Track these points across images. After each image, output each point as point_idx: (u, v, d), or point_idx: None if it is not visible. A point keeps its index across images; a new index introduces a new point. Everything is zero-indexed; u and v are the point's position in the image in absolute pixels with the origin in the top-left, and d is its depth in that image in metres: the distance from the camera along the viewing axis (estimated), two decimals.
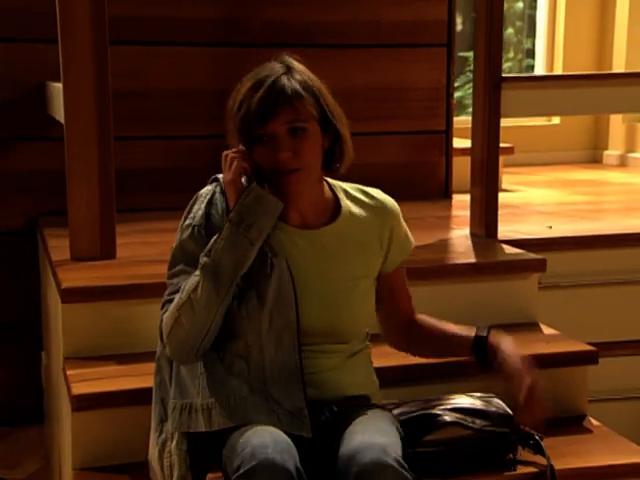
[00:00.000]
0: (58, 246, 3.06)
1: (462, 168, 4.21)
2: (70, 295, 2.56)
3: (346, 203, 2.04)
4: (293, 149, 1.90)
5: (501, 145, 4.40)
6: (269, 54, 4.11)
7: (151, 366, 2.44)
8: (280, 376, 1.92)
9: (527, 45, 6.84)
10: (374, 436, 1.84)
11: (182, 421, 1.93)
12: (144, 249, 3.12)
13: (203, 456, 1.96)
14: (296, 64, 1.97)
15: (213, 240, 1.90)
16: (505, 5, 7.42)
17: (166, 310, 1.96)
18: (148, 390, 2.29)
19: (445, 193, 4.17)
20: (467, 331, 2.13)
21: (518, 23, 6.90)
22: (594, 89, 3.09)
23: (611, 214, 3.79)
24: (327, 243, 2.01)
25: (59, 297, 2.59)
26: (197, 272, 1.90)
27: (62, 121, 2.94)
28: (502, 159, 3.97)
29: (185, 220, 2.00)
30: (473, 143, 3.21)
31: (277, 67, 1.95)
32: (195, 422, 1.91)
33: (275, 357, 1.93)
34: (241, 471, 1.74)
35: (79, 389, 2.33)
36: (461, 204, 3.95)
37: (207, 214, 1.97)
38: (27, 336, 3.68)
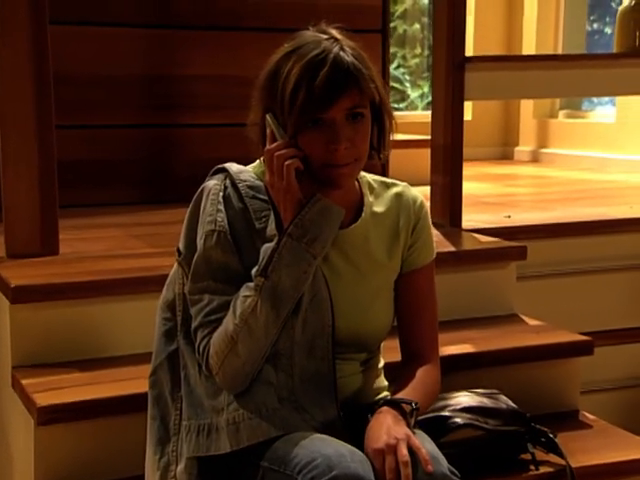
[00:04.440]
0: None
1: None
2: (22, 294, 2.25)
3: (369, 200, 1.83)
4: (350, 138, 1.65)
5: (415, 138, 4.30)
6: (200, 37, 3.87)
7: (119, 372, 2.23)
8: (310, 386, 1.71)
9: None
10: (423, 443, 1.65)
11: (200, 444, 1.69)
12: (85, 245, 2.83)
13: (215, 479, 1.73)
14: (340, 36, 1.70)
15: (266, 257, 1.64)
16: (410, 1, 7.37)
17: (207, 334, 1.69)
18: (123, 399, 2.08)
19: None
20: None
21: (424, 19, 6.88)
22: (565, 71, 2.96)
23: (557, 204, 3.69)
24: (349, 245, 1.79)
25: (7, 298, 2.28)
26: (247, 292, 1.65)
27: None
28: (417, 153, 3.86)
29: (196, 225, 1.73)
30: (434, 128, 3.04)
31: (325, 40, 1.66)
32: (217, 443, 1.66)
33: (307, 365, 1.71)
34: None
35: (45, 400, 2.03)
36: None
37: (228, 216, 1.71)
38: None
